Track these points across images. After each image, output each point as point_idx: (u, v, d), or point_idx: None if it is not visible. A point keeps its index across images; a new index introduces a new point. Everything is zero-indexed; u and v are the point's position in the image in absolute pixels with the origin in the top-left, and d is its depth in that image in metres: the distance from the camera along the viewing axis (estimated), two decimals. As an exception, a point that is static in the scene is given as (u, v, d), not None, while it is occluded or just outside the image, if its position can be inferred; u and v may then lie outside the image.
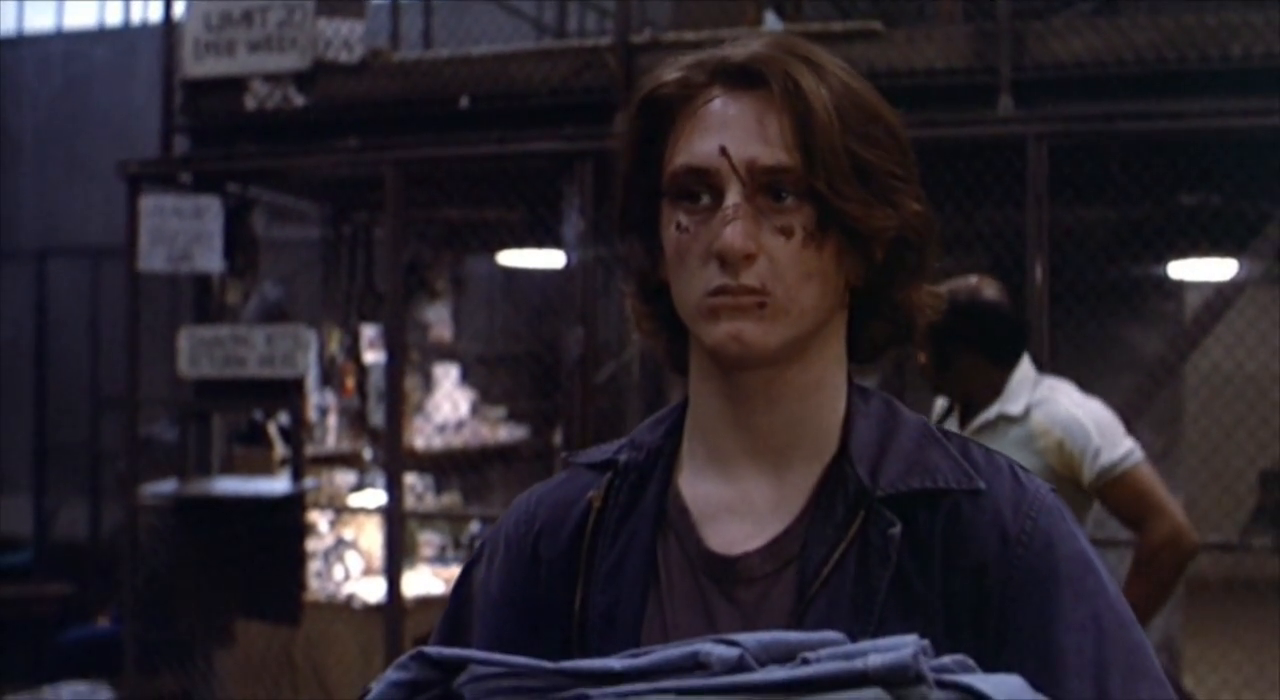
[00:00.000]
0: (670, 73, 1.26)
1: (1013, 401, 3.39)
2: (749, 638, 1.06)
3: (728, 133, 1.21)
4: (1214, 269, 5.48)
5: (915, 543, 1.20)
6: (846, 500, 1.23)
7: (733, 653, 1.04)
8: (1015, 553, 1.20)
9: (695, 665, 1.04)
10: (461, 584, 1.38)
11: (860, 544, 1.20)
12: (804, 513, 1.24)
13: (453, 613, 1.36)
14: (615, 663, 1.07)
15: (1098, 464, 3.28)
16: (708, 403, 1.28)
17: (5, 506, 9.73)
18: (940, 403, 3.70)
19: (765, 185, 1.20)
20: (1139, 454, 3.31)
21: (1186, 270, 5.63)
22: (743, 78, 1.23)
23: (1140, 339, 5.48)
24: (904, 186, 1.24)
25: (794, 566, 1.22)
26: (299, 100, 5.92)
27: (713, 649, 1.05)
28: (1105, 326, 5.29)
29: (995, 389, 3.42)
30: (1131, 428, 3.51)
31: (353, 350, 7.47)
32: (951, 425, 3.58)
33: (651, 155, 1.26)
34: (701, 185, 1.22)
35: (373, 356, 7.36)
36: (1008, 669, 1.09)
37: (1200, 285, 5.64)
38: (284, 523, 5.77)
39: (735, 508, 1.26)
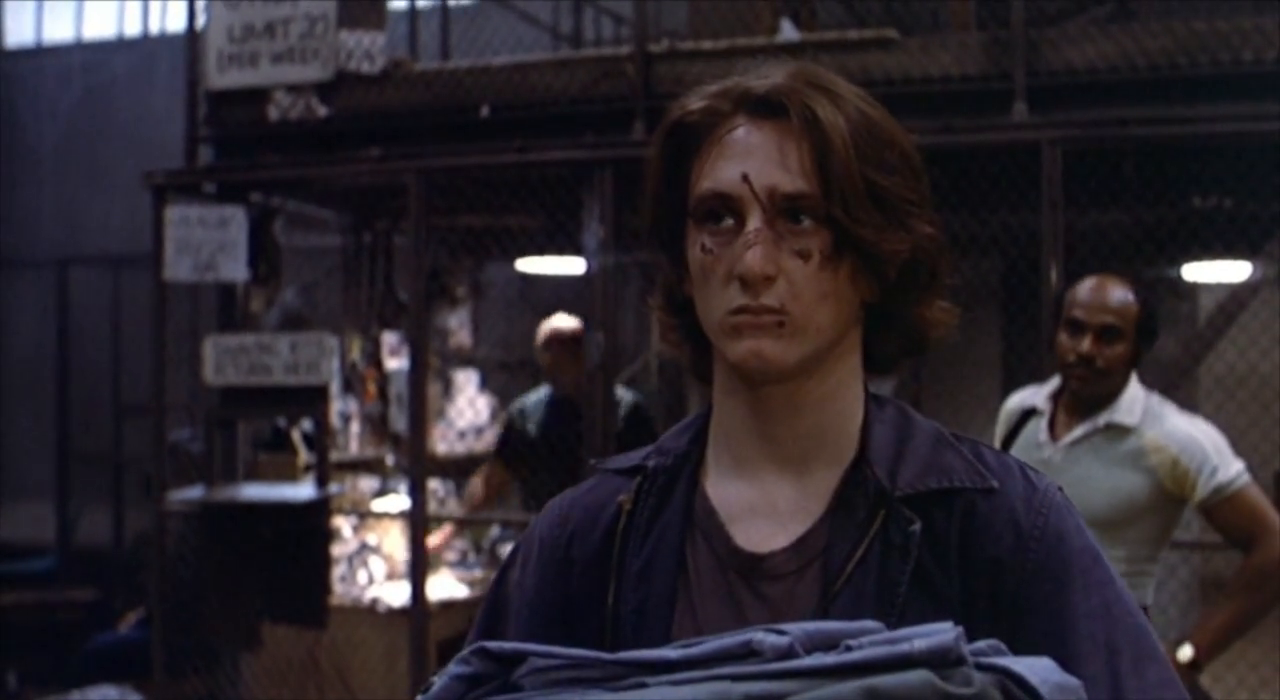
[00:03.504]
0: (696, 101, 1.34)
1: (1127, 412, 3.37)
2: (794, 627, 1.13)
3: (750, 160, 1.29)
4: (1227, 272, 5.53)
5: (934, 539, 1.28)
6: (867, 501, 1.30)
7: (783, 640, 1.10)
8: (1029, 547, 1.28)
9: (748, 652, 1.11)
10: (498, 585, 1.45)
11: (882, 541, 1.28)
12: (827, 513, 1.32)
13: (488, 613, 1.44)
14: (670, 652, 1.13)
15: (1213, 482, 3.29)
16: (732, 413, 1.36)
17: (29, 513, 9.83)
18: (1016, 399, 3.66)
19: (784, 210, 1.28)
20: (1248, 475, 3.35)
21: (1200, 273, 5.67)
22: (764, 107, 1.31)
23: (1157, 342, 5.53)
24: (917, 210, 1.33)
25: (818, 563, 1.30)
26: (321, 110, 6.00)
27: (765, 637, 1.11)
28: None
29: (1113, 395, 3.39)
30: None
31: (374, 357, 7.55)
32: (1040, 429, 3.52)
33: (678, 176, 1.34)
34: (725, 209, 1.30)
35: (394, 363, 7.43)
36: (1023, 656, 1.16)
37: (1214, 288, 5.69)
38: (309, 528, 5.84)
39: (760, 509, 1.33)
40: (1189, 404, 8.52)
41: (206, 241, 5.99)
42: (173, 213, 6.02)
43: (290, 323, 6.99)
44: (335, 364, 6.08)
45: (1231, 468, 3.31)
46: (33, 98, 11.51)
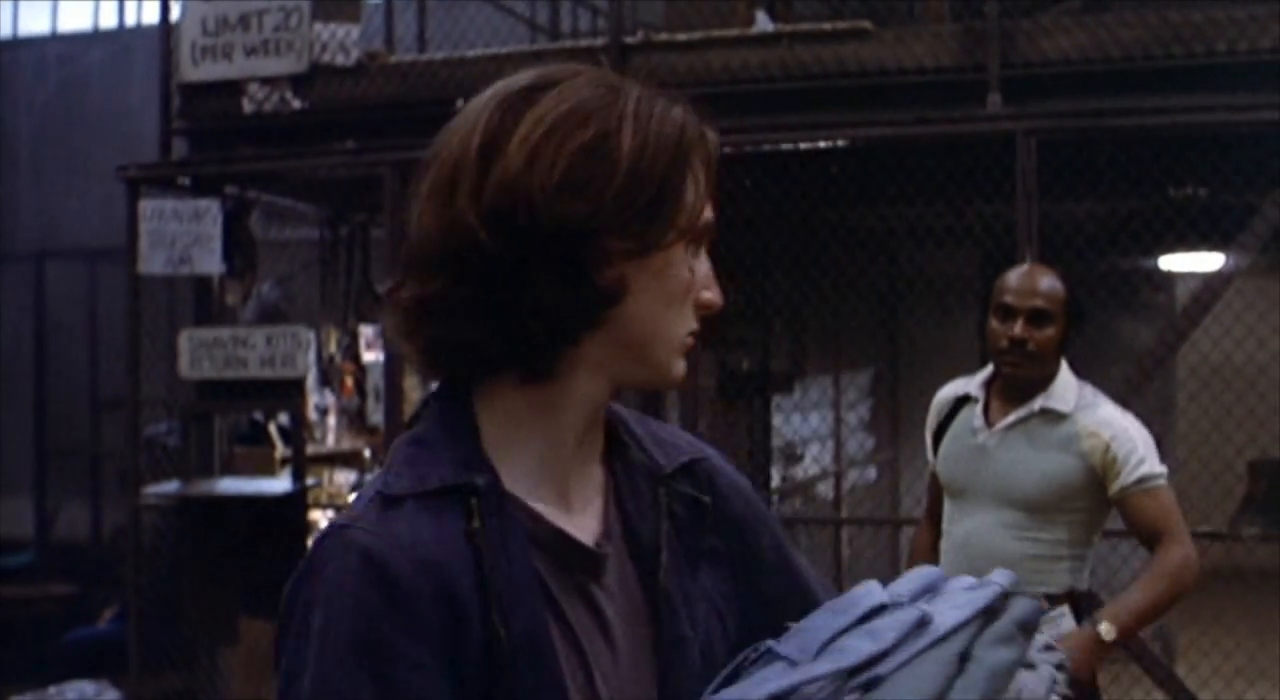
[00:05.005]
0: (690, 120, 1.30)
1: (1060, 399, 3.46)
2: (904, 589, 1.29)
3: None
4: (1201, 262, 5.54)
5: (700, 508, 1.40)
6: (648, 482, 1.38)
7: (921, 607, 1.24)
8: (747, 499, 1.46)
9: (920, 624, 1.22)
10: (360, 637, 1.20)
11: (669, 516, 1.37)
12: (613, 499, 1.37)
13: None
14: (868, 645, 1.20)
15: (1138, 472, 3.36)
16: (558, 420, 1.30)
17: (7, 508, 9.78)
18: (948, 389, 3.71)
19: None
20: (1167, 480, 3.42)
21: (1175, 263, 5.69)
22: None
23: (1130, 331, 5.55)
24: None
25: (627, 544, 1.35)
26: (296, 103, 5.98)
27: (921, 607, 1.23)
28: (1095, 320, 5.35)
29: (1046, 381, 3.48)
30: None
31: (351, 350, 7.54)
32: (974, 415, 3.58)
33: (668, 185, 1.27)
34: (706, 238, 1.33)
35: (371, 356, 7.42)
36: (767, 587, 1.39)
37: (1188, 277, 5.71)
38: (286, 521, 5.82)
39: (564, 504, 1.32)
40: (1165, 394, 8.57)
41: (181, 235, 5.97)
42: (146, 206, 6.00)
43: (268, 316, 6.97)
44: (311, 357, 6.06)
45: (1157, 465, 3.40)
46: (9, 90, 11.42)
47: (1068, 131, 5.11)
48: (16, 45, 11.65)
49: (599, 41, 5.64)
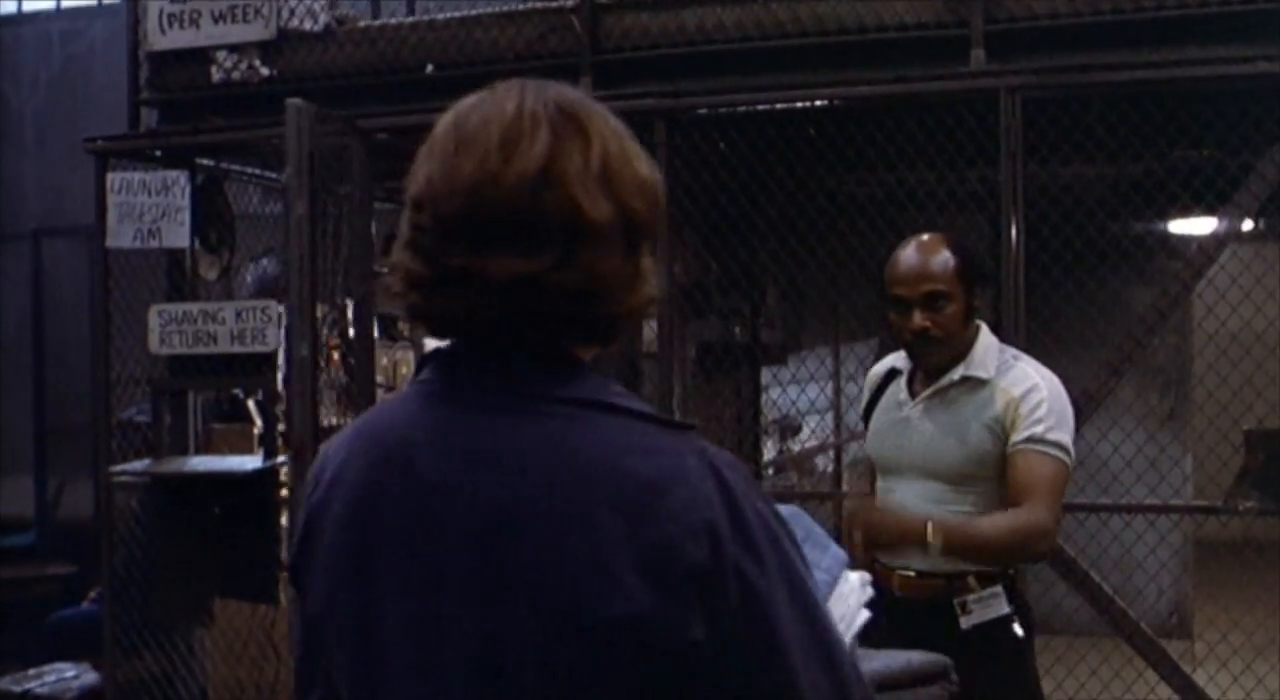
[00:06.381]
0: None
1: (980, 365, 3.32)
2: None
3: None
4: (1197, 226, 5.30)
5: None
6: None
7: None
8: None
9: None
10: None
11: None
12: None
13: None
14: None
15: (1034, 430, 3.20)
16: None
17: (9, 488, 9.72)
18: (881, 364, 3.57)
19: None
20: (1069, 457, 3.23)
21: (1171, 227, 5.45)
22: None
23: (1123, 299, 5.32)
24: None
25: None
26: (264, 71, 5.82)
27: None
28: (1085, 287, 5.13)
29: (965, 351, 3.33)
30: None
31: (339, 325, 7.38)
32: (900, 388, 3.45)
33: None
34: None
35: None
36: None
37: (1184, 242, 5.46)
38: (259, 500, 5.68)
39: None
40: (1182, 363, 8.30)
41: (149, 208, 5.83)
42: (114, 179, 5.85)
43: (268, 289, 6.85)
44: (281, 332, 5.90)
45: (1059, 433, 3.22)
46: (13, 67, 11.34)
47: (1053, 88, 4.88)
48: (20, 21, 11.57)
49: (570, 2, 5.44)
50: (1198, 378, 7.24)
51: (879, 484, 3.46)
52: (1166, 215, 4.92)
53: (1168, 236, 5.19)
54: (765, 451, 7.13)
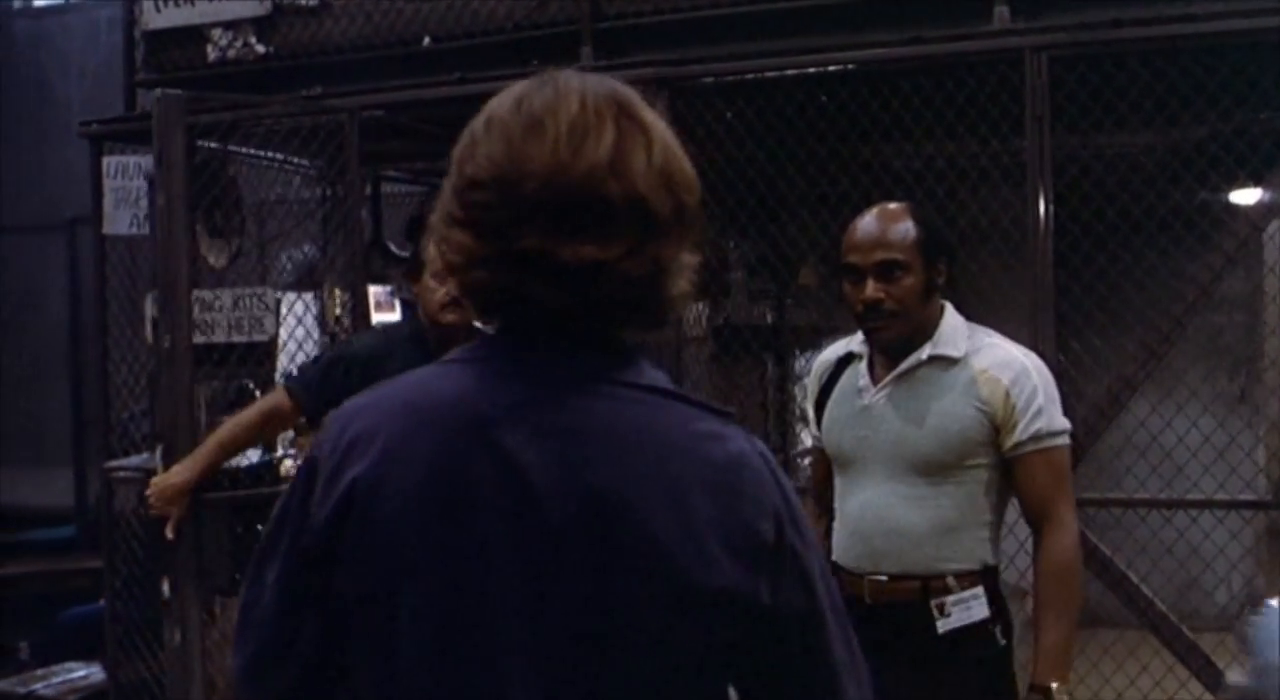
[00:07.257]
0: None
1: (949, 344, 3.03)
2: None
3: None
4: (1243, 196, 4.89)
5: None
6: None
7: None
8: None
9: None
10: None
11: None
12: None
13: None
14: None
15: (1035, 426, 2.95)
16: None
17: (50, 480, 9.64)
18: (830, 350, 3.25)
19: None
20: (1069, 438, 3.01)
21: (1214, 197, 5.03)
22: None
23: (1162, 275, 4.91)
24: None
25: None
26: (259, 48, 5.59)
27: None
28: (1120, 262, 4.73)
29: (927, 330, 3.04)
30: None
31: (360, 311, 7.16)
32: (859, 374, 3.14)
33: None
34: None
35: (380, 318, 7.05)
36: None
37: (1230, 212, 5.03)
38: (257, 494, 5.46)
39: None
40: (1253, 342, 7.81)
41: (145, 192, 5.62)
42: (108, 163, 5.66)
43: (304, 278, 6.68)
44: (276, 320, 5.67)
45: (1057, 419, 2.99)
46: (60, 57, 11.27)
47: (1083, 46, 4.49)
48: (66, 10, 11.51)
49: (572, -33, 5.16)
50: (1270, 359, 6.78)
51: (837, 483, 3.13)
52: (1208, 183, 4.51)
53: (1211, 206, 4.76)
54: (801, 440, 6.79)
